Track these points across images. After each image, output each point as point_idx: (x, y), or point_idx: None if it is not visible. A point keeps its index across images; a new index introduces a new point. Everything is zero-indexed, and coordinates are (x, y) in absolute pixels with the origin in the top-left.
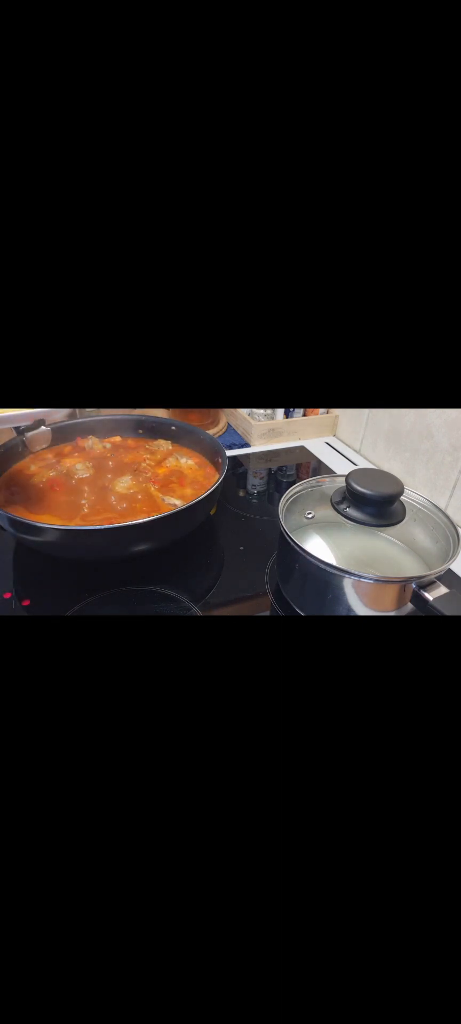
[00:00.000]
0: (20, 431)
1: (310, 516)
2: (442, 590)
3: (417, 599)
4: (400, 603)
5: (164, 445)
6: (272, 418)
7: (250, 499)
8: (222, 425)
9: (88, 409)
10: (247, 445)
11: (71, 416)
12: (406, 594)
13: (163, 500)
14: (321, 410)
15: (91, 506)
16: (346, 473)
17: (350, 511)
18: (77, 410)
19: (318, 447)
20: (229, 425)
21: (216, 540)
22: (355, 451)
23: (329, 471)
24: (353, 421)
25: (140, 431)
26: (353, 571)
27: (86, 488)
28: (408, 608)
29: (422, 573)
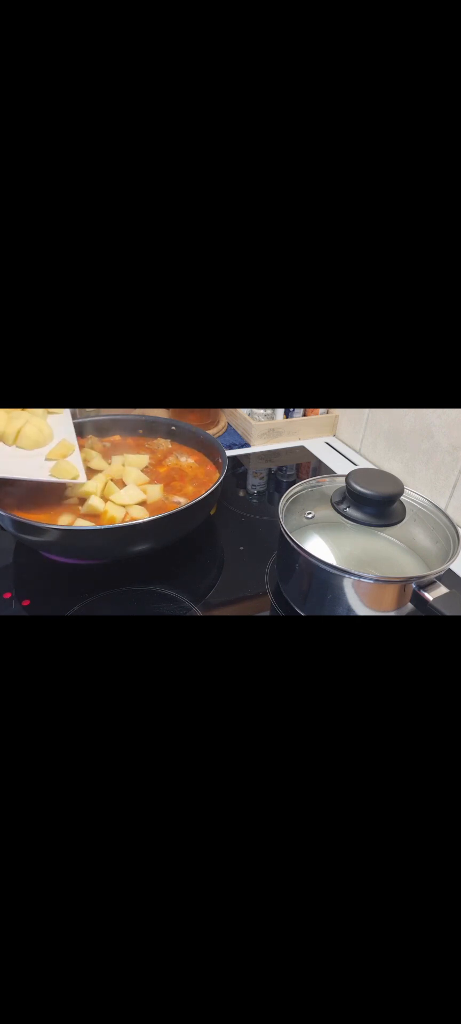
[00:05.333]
0: None
1: (310, 516)
2: (442, 590)
3: (417, 599)
4: (400, 603)
5: (164, 444)
6: (272, 418)
7: (250, 499)
8: (222, 425)
9: (88, 409)
10: (247, 445)
11: (71, 416)
12: (406, 594)
13: (167, 499)
14: (321, 410)
15: None
16: (346, 473)
17: (350, 511)
18: (77, 410)
19: (318, 447)
20: (229, 425)
21: (216, 540)
22: (355, 451)
23: (329, 471)
24: (353, 421)
25: (140, 431)
26: (353, 571)
27: None
28: (408, 608)
29: (422, 573)
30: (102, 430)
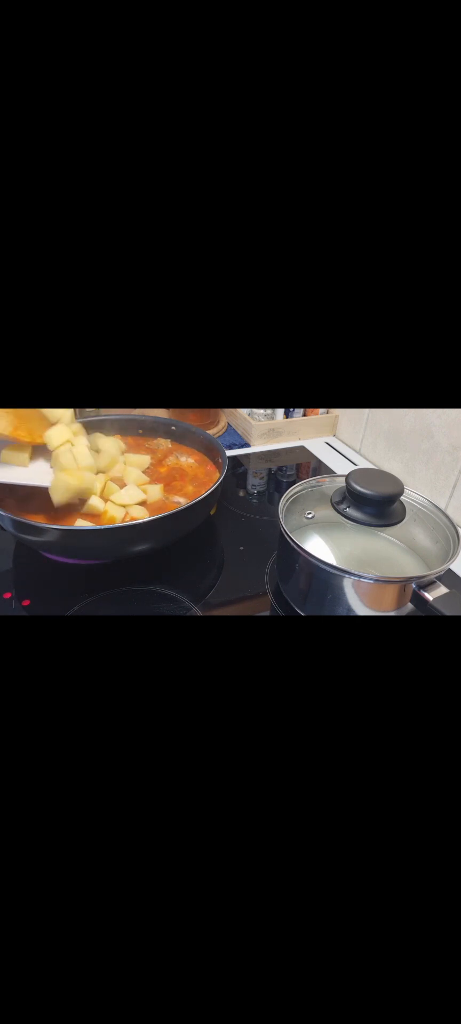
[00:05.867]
0: None
1: (310, 516)
2: (442, 590)
3: (417, 599)
4: (400, 603)
5: (164, 444)
6: (272, 418)
7: (250, 499)
8: (222, 425)
9: (88, 409)
10: (247, 445)
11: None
12: (406, 594)
13: (167, 499)
14: (321, 410)
15: None
16: (346, 473)
17: (350, 511)
18: (77, 410)
19: (318, 447)
20: (229, 425)
21: (216, 540)
22: (355, 451)
23: (329, 471)
24: (353, 421)
25: (140, 431)
26: (353, 571)
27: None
28: (408, 608)
29: (422, 573)
30: (102, 430)
